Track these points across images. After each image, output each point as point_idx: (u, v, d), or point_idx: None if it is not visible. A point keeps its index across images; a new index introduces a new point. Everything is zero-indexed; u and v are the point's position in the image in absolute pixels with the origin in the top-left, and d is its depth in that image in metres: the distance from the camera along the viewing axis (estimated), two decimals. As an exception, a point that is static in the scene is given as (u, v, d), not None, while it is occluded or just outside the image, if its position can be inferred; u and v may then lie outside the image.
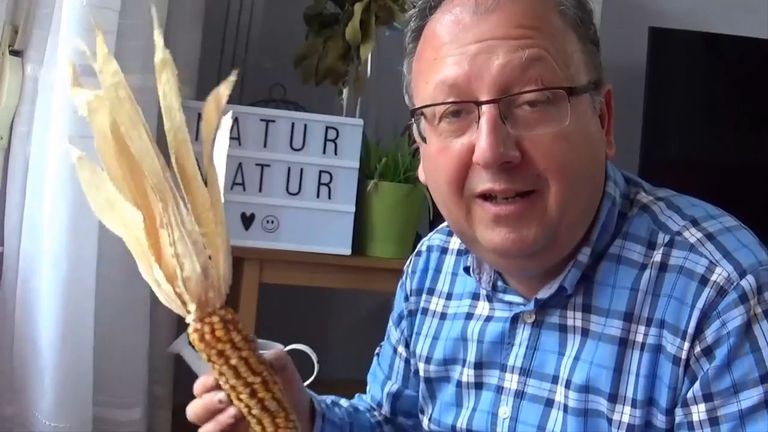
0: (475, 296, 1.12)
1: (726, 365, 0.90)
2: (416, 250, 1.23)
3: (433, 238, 1.22)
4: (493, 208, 0.95)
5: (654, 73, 2.55)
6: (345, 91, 2.21)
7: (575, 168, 0.95)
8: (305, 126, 2.06)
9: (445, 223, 1.17)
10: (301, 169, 2.06)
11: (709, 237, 0.95)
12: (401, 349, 1.24)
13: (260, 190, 2.05)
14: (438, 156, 0.98)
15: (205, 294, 0.84)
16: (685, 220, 0.98)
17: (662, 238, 0.97)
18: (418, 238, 1.62)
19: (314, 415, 1.14)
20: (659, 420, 0.95)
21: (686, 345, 0.92)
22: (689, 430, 0.92)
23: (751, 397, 0.89)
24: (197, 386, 0.94)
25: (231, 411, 0.88)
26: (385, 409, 1.28)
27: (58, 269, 1.86)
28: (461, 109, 0.95)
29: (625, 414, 0.95)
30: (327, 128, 2.07)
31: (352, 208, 2.08)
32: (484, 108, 0.93)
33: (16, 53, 1.83)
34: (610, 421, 0.96)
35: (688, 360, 0.92)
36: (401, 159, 2.07)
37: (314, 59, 2.18)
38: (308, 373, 1.99)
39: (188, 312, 0.85)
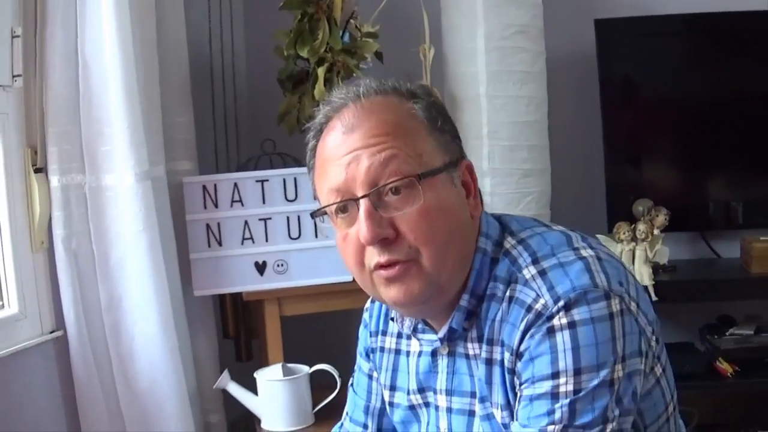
0: (408, 336, 1.40)
1: (530, 360, 1.16)
2: (370, 299, 1.49)
3: None
4: (384, 272, 1.20)
5: (604, 61, 2.79)
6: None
7: (439, 234, 1.19)
8: (295, 179, 2.34)
9: None
10: (299, 216, 2.34)
11: (542, 273, 1.19)
12: (376, 374, 1.50)
13: (267, 240, 2.34)
14: (342, 243, 1.26)
15: None
16: (531, 258, 1.22)
17: (514, 276, 1.22)
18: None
19: None
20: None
21: (513, 358, 1.19)
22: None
23: (541, 387, 1.15)
24: None
25: None
26: (373, 428, 1.53)
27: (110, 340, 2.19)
28: (346, 205, 1.21)
29: (500, 416, 1.25)
30: (315, 175, 2.34)
31: (349, 240, 2.35)
32: (361, 201, 1.19)
33: (38, 170, 2.07)
34: (498, 423, 1.26)
35: (513, 369, 1.20)
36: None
37: (294, 113, 2.47)
38: (332, 388, 2.30)
39: None
